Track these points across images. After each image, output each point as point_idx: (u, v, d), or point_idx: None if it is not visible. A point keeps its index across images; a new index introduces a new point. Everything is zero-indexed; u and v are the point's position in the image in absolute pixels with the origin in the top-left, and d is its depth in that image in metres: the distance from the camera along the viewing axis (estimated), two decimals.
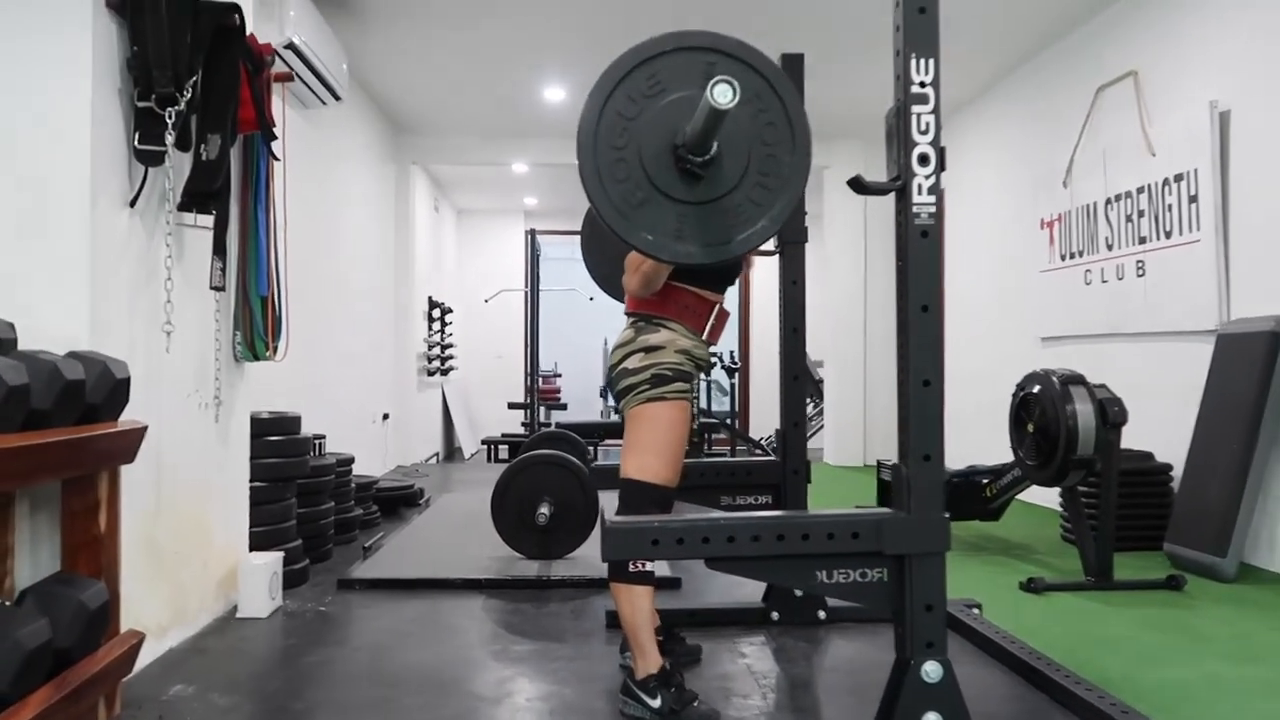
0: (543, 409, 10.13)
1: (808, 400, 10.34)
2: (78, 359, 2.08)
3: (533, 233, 8.90)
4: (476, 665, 2.74)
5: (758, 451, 8.40)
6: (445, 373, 9.92)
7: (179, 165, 2.69)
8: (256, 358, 3.27)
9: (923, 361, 2.00)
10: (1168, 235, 4.56)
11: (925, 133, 1.99)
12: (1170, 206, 4.53)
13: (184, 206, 2.74)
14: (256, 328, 3.21)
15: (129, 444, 2.23)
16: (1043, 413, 3.74)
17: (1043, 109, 5.92)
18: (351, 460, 4.67)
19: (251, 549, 3.40)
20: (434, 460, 9.51)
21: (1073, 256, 5.47)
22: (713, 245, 1.92)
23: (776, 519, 2.03)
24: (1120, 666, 2.72)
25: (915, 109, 1.99)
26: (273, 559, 3.28)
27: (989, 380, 6.25)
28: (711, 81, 1.68)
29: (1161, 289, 4.63)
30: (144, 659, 2.62)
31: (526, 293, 9.37)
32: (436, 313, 9.59)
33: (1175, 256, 4.50)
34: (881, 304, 8.28)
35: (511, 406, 10.13)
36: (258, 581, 3.18)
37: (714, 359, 8.90)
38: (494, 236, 11.77)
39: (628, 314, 2.51)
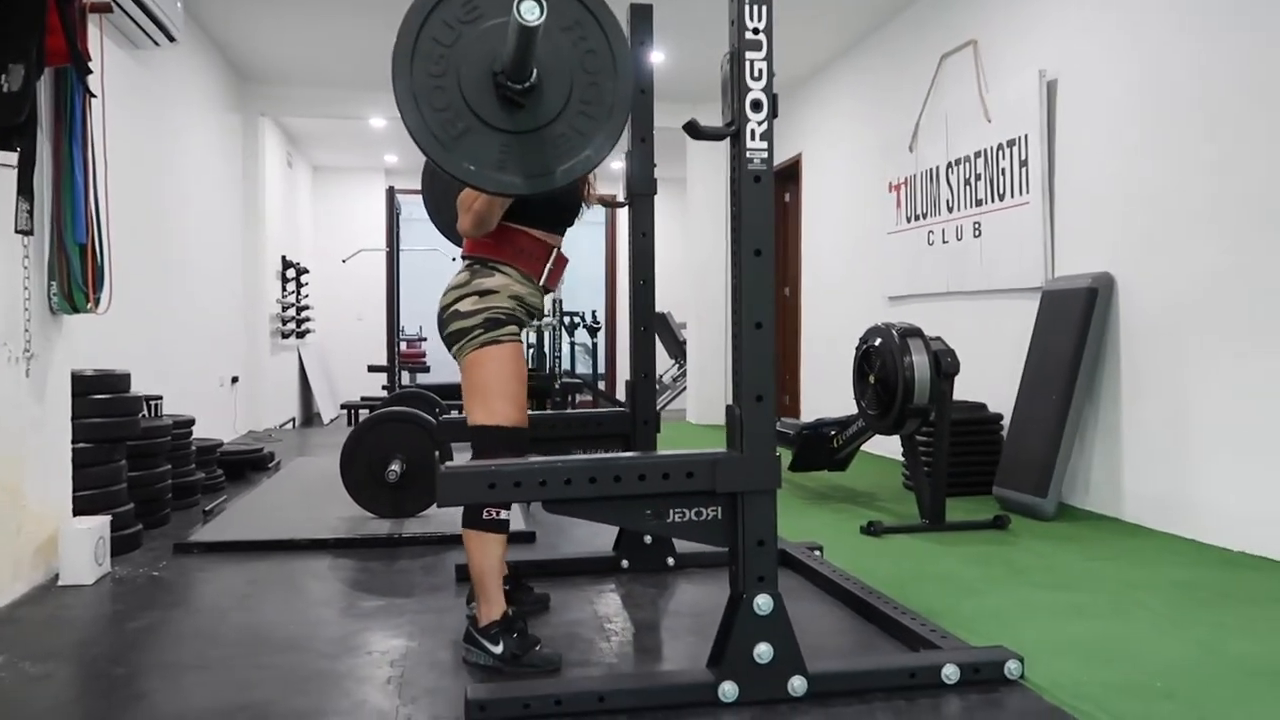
0: (405, 373, 9.90)
1: (672, 361, 10.45)
2: None
3: (392, 191, 8.62)
4: (318, 622, 2.68)
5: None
6: (302, 335, 9.56)
7: None
8: (75, 309, 3.06)
9: (755, 304, 2.05)
10: (1001, 198, 4.81)
11: (758, 79, 2.02)
12: (1004, 170, 4.78)
13: None
14: (75, 277, 3.00)
15: None
16: (883, 364, 3.91)
17: (891, 76, 6.12)
18: (191, 422, 4.45)
19: (76, 514, 3.20)
20: (290, 425, 9.19)
21: (917, 218, 5.70)
22: (536, 176, 1.91)
23: (613, 460, 2.05)
24: (945, 598, 2.89)
25: (749, 55, 2.01)
26: (98, 523, 3.10)
27: (842, 339, 6.46)
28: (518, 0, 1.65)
29: (995, 249, 4.89)
30: None
31: (388, 253, 9.11)
32: (291, 273, 9.21)
33: (1008, 218, 4.76)
34: None
35: (372, 370, 9.87)
36: (81, 547, 3.00)
37: (578, 316, 8.91)
38: (352, 194, 11.36)
39: (463, 257, 2.46)
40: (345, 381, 10.90)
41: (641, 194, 3.16)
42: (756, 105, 2.02)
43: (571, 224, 2.59)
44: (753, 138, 2.02)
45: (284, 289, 9.03)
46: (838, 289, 7.03)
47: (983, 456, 4.62)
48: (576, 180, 2.36)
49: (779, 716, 1.99)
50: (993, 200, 4.88)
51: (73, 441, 3.21)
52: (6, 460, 2.76)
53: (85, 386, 3.33)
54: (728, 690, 2.02)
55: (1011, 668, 2.17)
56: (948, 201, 5.33)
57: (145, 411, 4.01)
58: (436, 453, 3.85)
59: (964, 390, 4.86)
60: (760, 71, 2.02)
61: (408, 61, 1.81)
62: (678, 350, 10.02)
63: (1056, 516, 4.06)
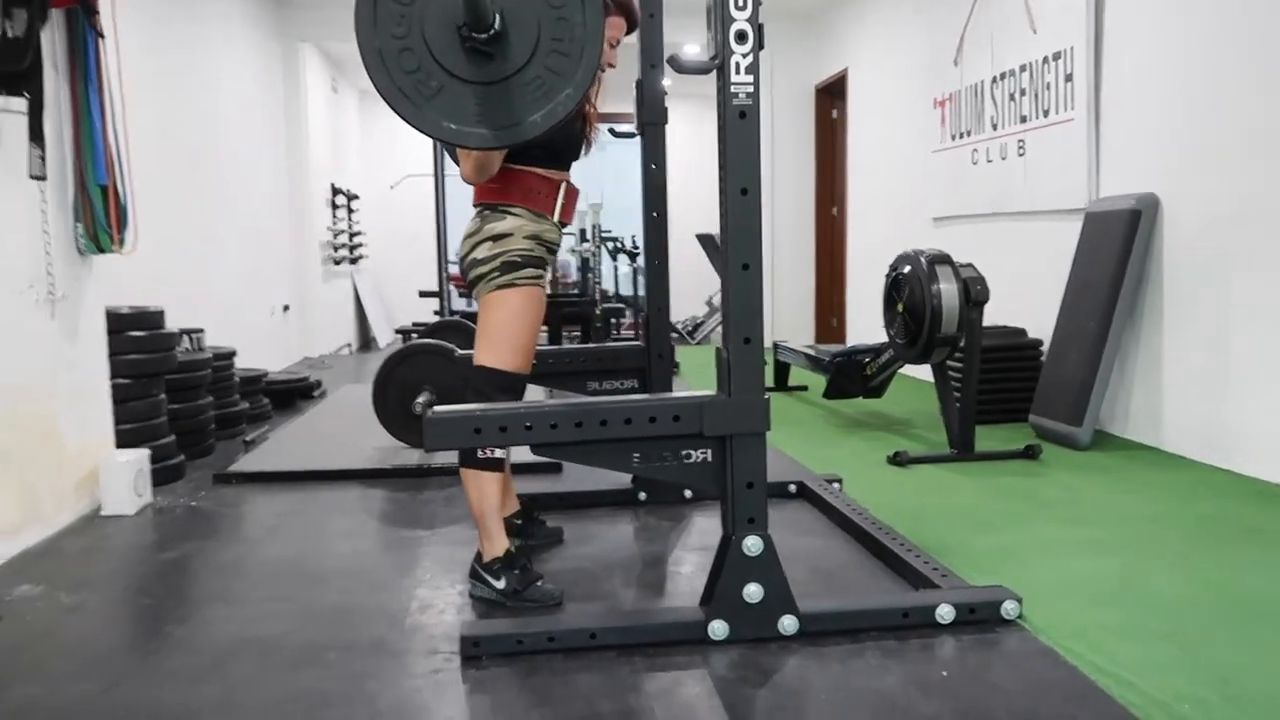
0: (455, 296, 10.00)
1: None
2: None
3: None
4: (339, 555, 2.77)
5: (674, 335, 8.44)
6: (355, 261, 9.69)
7: None
8: (101, 250, 3.14)
9: (742, 245, 2.01)
10: (1045, 114, 4.59)
11: (743, 9, 1.94)
12: (1049, 85, 4.54)
13: None
14: (98, 219, 3.07)
15: None
16: (911, 293, 3.82)
17: None
18: (232, 353, 4.57)
19: (119, 447, 3.34)
20: (346, 351, 9.39)
21: (962, 136, 5.49)
22: (515, 125, 1.87)
23: (599, 404, 2.06)
24: (959, 532, 2.86)
25: None
26: (137, 456, 3.23)
27: (887, 262, 6.33)
28: None
29: (1039, 168, 4.69)
30: None
31: (435, 178, 9.11)
32: (341, 200, 9.30)
33: (1052, 136, 4.55)
34: (788, 187, 8.26)
35: (423, 295, 9.97)
36: (120, 480, 3.14)
37: (618, 240, 8.83)
38: (399, 119, 11.32)
39: (475, 204, 2.46)
40: (400, 306, 11.06)
41: (651, 123, 3.08)
42: (741, 36, 1.95)
43: (577, 158, 2.56)
44: (737, 71, 1.96)
45: (334, 216, 9.12)
46: (883, 209, 6.85)
47: (1021, 384, 4.52)
48: (573, 118, 2.33)
49: (768, 655, 2.02)
50: (1037, 116, 4.67)
51: (111, 377, 3.33)
52: (39, 398, 2.87)
53: (121, 324, 3.43)
54: (717, 629, 2.06)
55: (1009, 608, 2.16)
56: (992, 118, 5.11)
57: (187, 345, 4.13)
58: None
59: (1006, 315, 4.75)
60: (745, 1, 1.94)
61: (370, 25, 1.78)
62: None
63: (1092, 446, 3.97)
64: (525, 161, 2.37)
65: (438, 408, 2.01)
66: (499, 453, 2.33)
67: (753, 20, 1.94)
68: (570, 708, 1.81)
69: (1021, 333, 4.66)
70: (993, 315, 4.87)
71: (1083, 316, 4.10)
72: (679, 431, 2.04)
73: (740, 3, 1.94)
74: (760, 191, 2.01)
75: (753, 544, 2.06)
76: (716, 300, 10.26)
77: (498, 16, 1.78)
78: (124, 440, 3.37)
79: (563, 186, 2.44)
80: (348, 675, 1.94)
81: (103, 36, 2.96)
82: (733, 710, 1.80)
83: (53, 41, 2.91)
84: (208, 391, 4.15)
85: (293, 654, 2.06)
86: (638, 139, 3.10)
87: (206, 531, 3.01)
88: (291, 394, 5.42)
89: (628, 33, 2.57)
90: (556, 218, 2.43)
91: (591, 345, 4.58)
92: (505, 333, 2.36)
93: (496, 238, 2.36)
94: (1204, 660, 1.98)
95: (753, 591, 2.06)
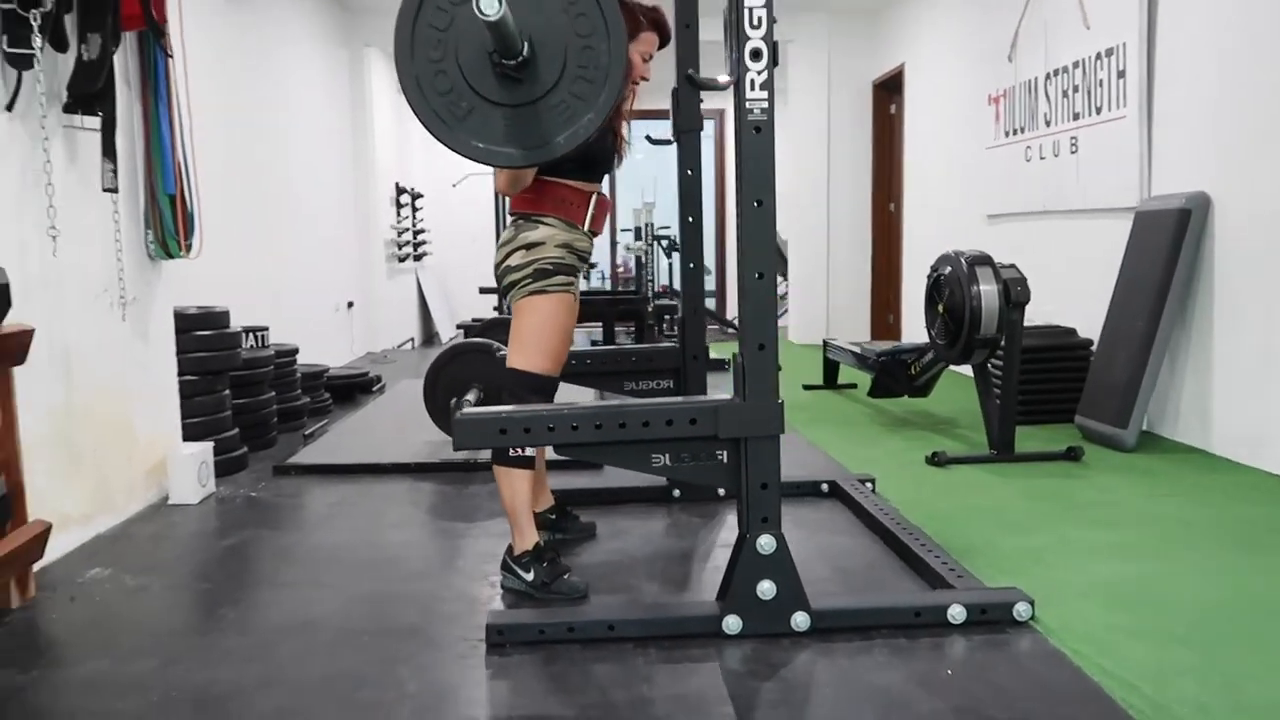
0: None
1: (780, 280, 10.34)
2: None
3: None
4: (384, 545, 2.92)
5: (730, 331, 8.49)
6: (419, 258, 9.95)
7: (60, 67, 2.70)
8: (170, 255, 3.34)
9: (757, 255, 2.08)
10: (1098, 111, 4.53)
11: (757, 27, 2.01)
12: (1101, 81, 4.48)
13: (69, 108, 2.77)
14: (166, 226, 3.27)
15: (15, 347, 2.34)
16: (951, 293, 3.83)
17: None
18: (295, 351, 4.79)
19: (186, 440, 3.55)
20: (409, 345, 9.66)
21: (1016, 133, 5.43)
22: (540, 146, 1.98)
23: (618, 407, 2.15)
24: (987, 534, 2.89)
25: (748, 3, 2.00)
26: (201, 449, 3.44)
27: None
28: None
29: (1091, 166, 4.63)
30: (69, 545, 2.81)
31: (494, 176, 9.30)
32: (405, 199, 9.55)
33: (1104, 133, 4.49)
34: (845, 183, 8.24)
35: (483, 291, 10.19)
36: (185, 471, 3.34)
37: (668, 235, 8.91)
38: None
39: (510, 213, 2.58)
40: (462, 301, 11.31)
41: (688, 130, 3.15)
42: (756, 54, 2.02)
43: (609, 171, 2.66)
44: (752, 88, 2.02)
45: (398, 214, 9.38)
46: (939, 206, 6.80)
47: (1069, 384, 4.47)
48: (604, 133, 2.43)
49: (779, 650, 2.09)
50: (1090, 114, 4.61)
51: (179, 374, 3.54)
52: (113, 394, 3.08)
53: (188, 324, 3.64)
54: (731, 623, 2.14)
55: (1020, 610, 2.20)
56: (1045, 115, 5.06)
57: (252, 342, 4.35)
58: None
59: (1057, 315, 4.71)
60: (759, 19, 2.01)
61: (408, 50, 1.90)
62: (783, 268, 9.92)
63: (1138, 448, 3.93)
64: (558, 174, 2.47)
65: (466, 409, 2.13)
66: (529, 452, 2.44)
67: (767, 39, 2.01)
68: (584, 695, 1.91)
69: (1071, 332, 4.61)
70: (1044, 315, 4.85)
71: (1131, 316, 4.05)
72: (695, 434, 2.12)
73: (755, 21, 2.01)
74: (775, 203, 2.07)
75: (766, 542, 2.13)
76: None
77: (526, 44, 1.88)
78: (190, 434, 3.58)
79: (593, 198, 2.54)
80: (381, 658, 2.07)
81: (170, 56, 3.15)
82: (737, 701, 1.88)
83: (125, 62, 3.12)
84: (270, 387, 4.37)
85: (333, 637, 2.20)
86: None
87: (262, 520, 3.19)
88: (351, 389, 5.64)
89: (660, 47, 2.65)
90: (587, 227, 2.54)
91: (628, 346, 4.69)
92: (537, 337, 2.47)
93: (529, 246, 2.47)
94: (1217, 666, 1.99)
95: (766, 588, 2.13)
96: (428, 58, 1.91)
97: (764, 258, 2.08)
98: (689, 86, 3.11)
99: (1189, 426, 4.00)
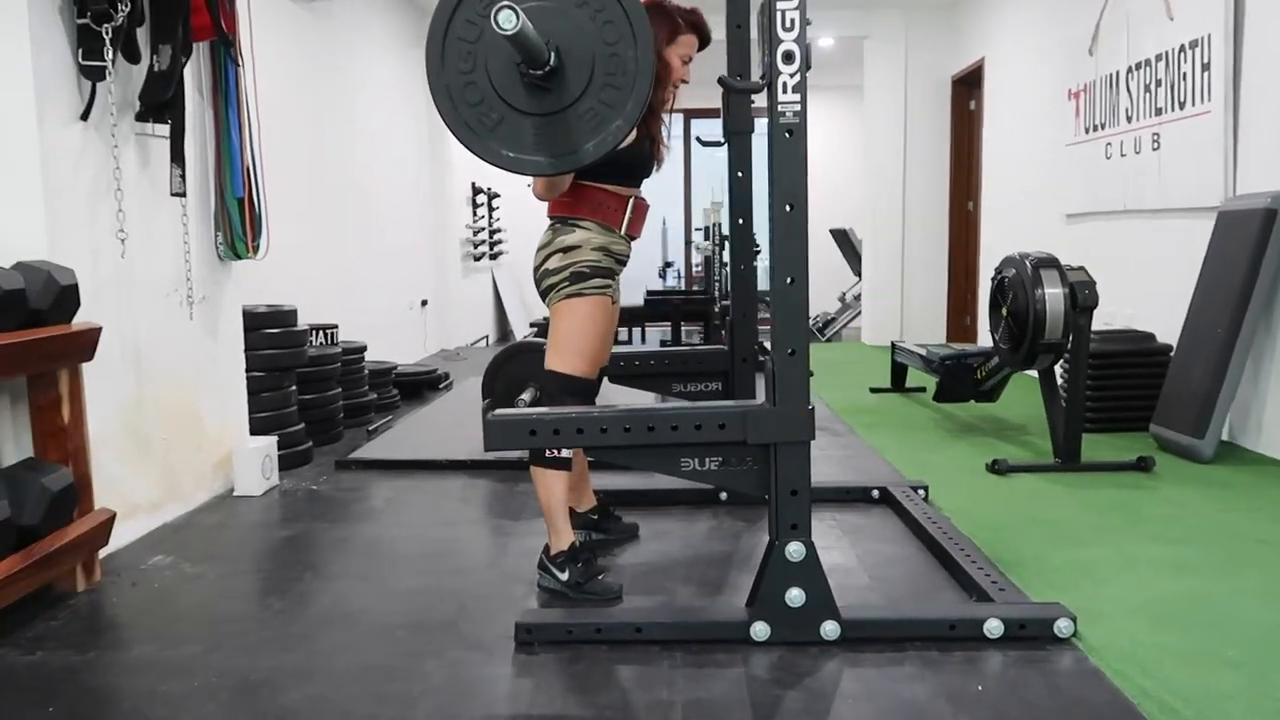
0: None
1: (856, 279, 10.16)
2: (21, 270, 2.29)
3: None
4: (431, 540, 2.99)
5: None
6: (495, 257, 10.11)
7: (134, 77, 2.84)
8: (238, 257, 3.47)
9: (789, 259, 2.06)
10: (1181, 106, 4.33)
11: (790, 29, 1.99)
12: (1185, 75, 4.29)
13: (142, 116, 2.90)
14: (235, 228, 3.40)
15: (83, 344, 2.46)
16: (1014, 297, 3.71)
17: None
18: (363, 348, 4.92)
19: (254, 434, 3.69)
20: (483, 343, 9.82)
21: (1096, 129, 5.23)
22: (568, 154, 2.00)
23: (647, 411, 2.15)
24: (1039, 546, 2.80)
25: (780, 5, 1.98)
26: (265, 443, 3.56)
27: None
28: (494, 10, 1.71)
29: (1173, 163, 4.43)
30: (137, 533, 2.95)
31: None
32: (481, 198, 9.71)
33: (1187, 129, 4.29)
34: (921, 181, 8.07)
35: None
36: (250, 464, 3.47)
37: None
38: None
39: (548, 216, 2.60)
40: (537, 300, 11.44)
41: (739, 132, 3.13)
42: (788, 57, 2.00)
43: (647, 175, 2.66)
44: (784, 90, 2.00)
45: (474, 214, 9.55)
46: (1017, 204, 6.60)
47: (1145, 391, 4.29)
48: (642, 138, 2.44)
49: (806, 658, 2.07)
50: (1173, 109, 4.41)
51: (247, 370, 3.68)
52: (184, 389, 3.22)
53: (256, 321, 3.78)
54: (759, 630, 2.12)
55: (1061, 626, 2.12)
56: (1127, 110, 4.86)
57: (321, 340, 4.49)
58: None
59: (1137, 319, 4.53)
60: (792, 22, 1.99)
61: (439, 63, 1.94)
62: (859, 267, 9.77)
63: (1216, 459, 3.75)
64: (595, 179, 2.48)
65: (497, 410, 2.16)
66: (565, 453, 2.47)
67: (800, 41, 1.99)
68: (605, 696, 1.92)
69: (1149, 337, 4.43)
70: (1124, 318, 4.67)
71: (1211, 321, 3.87)
72: (724, 439, 2.11)
73: (787, 24, 1.99)
74: (807, 207, 2.05)
75: (795, 550, 2.11)
76: (850, 295, 10.13)
77: (553, 53, 1.90)
78: (257, 428, 3.72)
79: (631, 201, 2.55)
80: (412, 652, 2.12)
81: (239, 65, 3.27)
82: (758, 709, 1.86)
83: (198, 70, 3.26)
84: (337, 383, 4.50)
85: (370, 629, 2.27)
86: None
87: (320, 513, 3.29)
88: (419, 385, 5.76)
89: (700, 48, 2.64)
90: (624, 231, 2.54)
91: (676, 348, 4.68)
92: (573, 339, 2.49)
93: (567, 249, 2.49)
94: (1270, 692, 1.89)
95: (795, 596, 2.11)
96: (458, 69, 1.95)
97: (796, 262, 2.05)
98: (736, 91, 3.10)
99: (1272, 438, 3.80)
